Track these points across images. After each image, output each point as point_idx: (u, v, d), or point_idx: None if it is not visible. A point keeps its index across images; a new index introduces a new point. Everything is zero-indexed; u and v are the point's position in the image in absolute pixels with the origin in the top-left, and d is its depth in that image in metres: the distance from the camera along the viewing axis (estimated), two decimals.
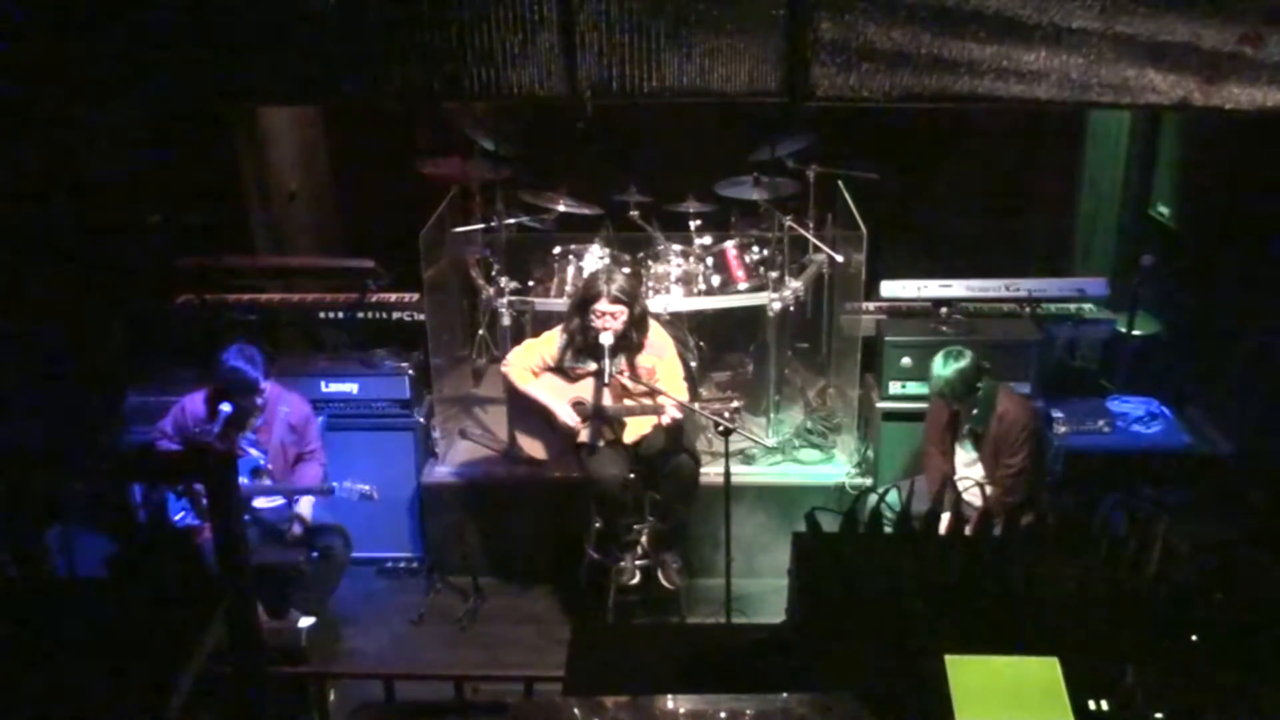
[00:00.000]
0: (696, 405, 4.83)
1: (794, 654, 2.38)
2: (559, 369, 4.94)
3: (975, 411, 4.67)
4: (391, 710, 4.08)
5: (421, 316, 5.69)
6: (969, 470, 4.75)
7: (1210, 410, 5.71)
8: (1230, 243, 5.61)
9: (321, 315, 5.83)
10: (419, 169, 6.15)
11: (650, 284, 5.56)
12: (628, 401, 4.86)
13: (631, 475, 4.81)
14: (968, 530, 2.64)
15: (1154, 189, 6.46)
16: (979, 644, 2.20)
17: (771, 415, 5.72)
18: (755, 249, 5.76)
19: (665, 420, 4.68)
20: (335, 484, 4.84)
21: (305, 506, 4.90)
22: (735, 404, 4.67)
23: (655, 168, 6.25)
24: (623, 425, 4.86)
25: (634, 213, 5.95)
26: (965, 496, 4.25)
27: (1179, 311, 5.89)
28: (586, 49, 2.28)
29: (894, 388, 5.37)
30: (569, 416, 4.87)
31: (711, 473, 4.98)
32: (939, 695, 2.09)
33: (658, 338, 4.96)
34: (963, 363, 4.55)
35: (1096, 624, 2.25)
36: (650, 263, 5.65)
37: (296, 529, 4.83)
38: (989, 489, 4.57)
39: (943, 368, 4.58)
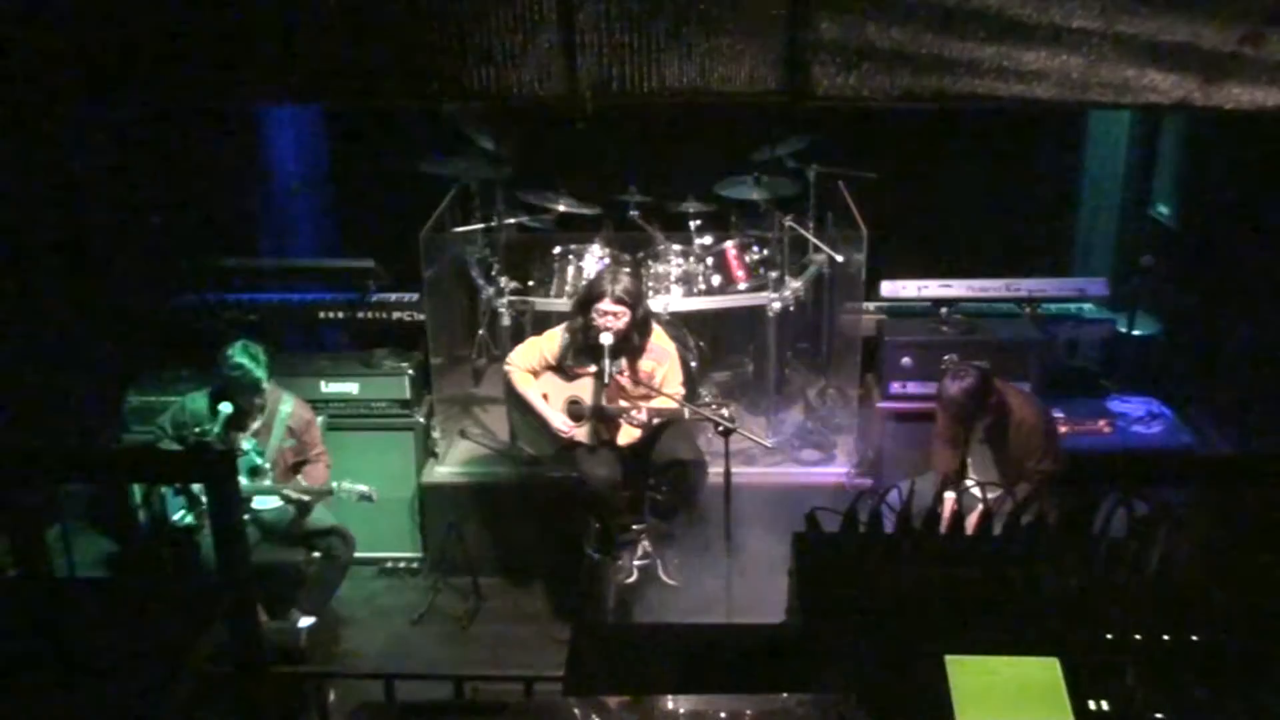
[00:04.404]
0: (687, 410, 4.83)
1: (794, 654, 2.38)
2: (559, 368, 4.95)
3: (989, 420, 4.58)
4: (391, 710, 4.06)
5: (421, 316, 5.69)
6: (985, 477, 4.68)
7: (1210, 410, 5.70)
8: (1230, 243, 5.61)
9: (321, 315, 5.83)
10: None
11: (650, 284, 5.56)
12: (623, 403, 4.86)
13: (622, 477, 4.81)
14: (968, 529, 2.64)
15: (1154, 189, 6.46)
16: (979, 644, 2.19)
17: (771, 415, 5.71)
18: (755, 249, 5.75)
19: (638, 420, 4.73)
20: (334, 484, 4.84)
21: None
22: (725, 411, 4.65)
23: (655, 168, 6.24)
24: (616, 427, 4.87)
25: (634, 213, 5.94)
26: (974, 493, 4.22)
27: (1179, 311, 5.89)
28: (586, 49, 2.28)
29: (894, 388, 5.36)
30: (562, 424, 4.88)
31: (711, 473, 4.98)
32: (939, 695, 2.09)
33: (661, 343, 4.96)
34: (968, 381, 4.46)
35: (1096, 624, 2.24)
36: (650, 263, 5.65)
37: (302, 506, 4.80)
38: (1007, 490, 4.50)
39: (949, 388, 4.50)
